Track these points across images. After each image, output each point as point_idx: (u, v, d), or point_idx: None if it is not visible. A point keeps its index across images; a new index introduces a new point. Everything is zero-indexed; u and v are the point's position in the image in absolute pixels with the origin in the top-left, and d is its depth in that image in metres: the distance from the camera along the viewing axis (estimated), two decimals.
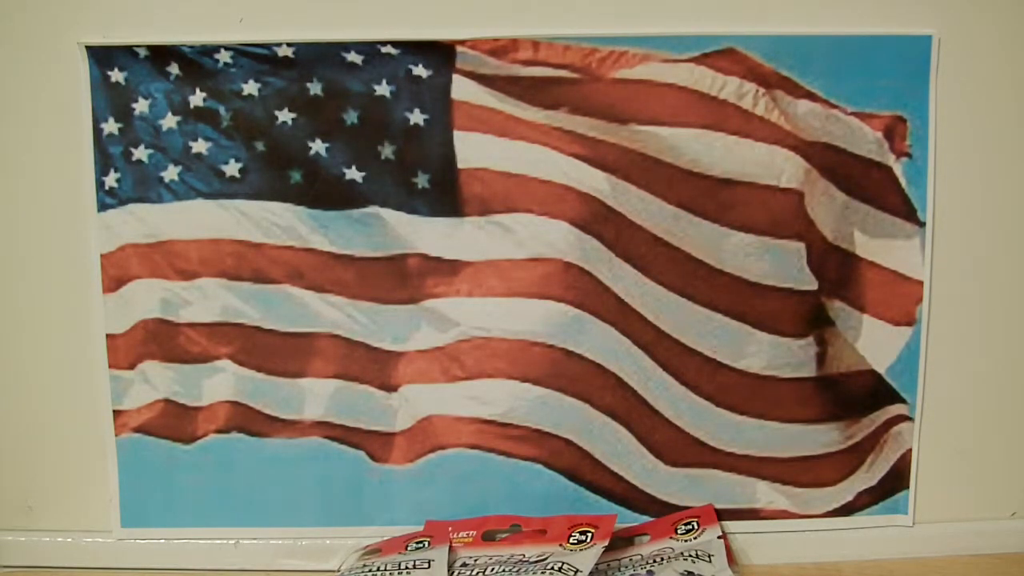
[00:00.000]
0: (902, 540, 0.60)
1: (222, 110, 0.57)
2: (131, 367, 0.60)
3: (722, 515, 0.59)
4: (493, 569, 0.53)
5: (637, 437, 0.59)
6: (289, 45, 0.56)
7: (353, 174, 0.58)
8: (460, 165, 0.57)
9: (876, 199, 0.58)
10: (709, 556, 0.54)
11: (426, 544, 0.57)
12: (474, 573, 0.53)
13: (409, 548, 0.56)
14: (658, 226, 0.58)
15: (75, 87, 0.57)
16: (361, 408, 0.60)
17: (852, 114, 0.57)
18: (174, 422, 0.60)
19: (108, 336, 0.59)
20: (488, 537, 0.58)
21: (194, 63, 0.57)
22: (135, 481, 0.60)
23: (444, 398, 0.59)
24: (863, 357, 0.59)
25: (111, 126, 0.57)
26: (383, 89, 0.57)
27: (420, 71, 0.57)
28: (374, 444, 0.60)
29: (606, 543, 0.54)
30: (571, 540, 0.55)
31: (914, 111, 0.57)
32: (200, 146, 0.58)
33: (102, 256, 0.59)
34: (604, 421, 0.59)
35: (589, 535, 0.55)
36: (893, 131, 0.57)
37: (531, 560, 0.53)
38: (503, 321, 0.58)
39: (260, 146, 0.57)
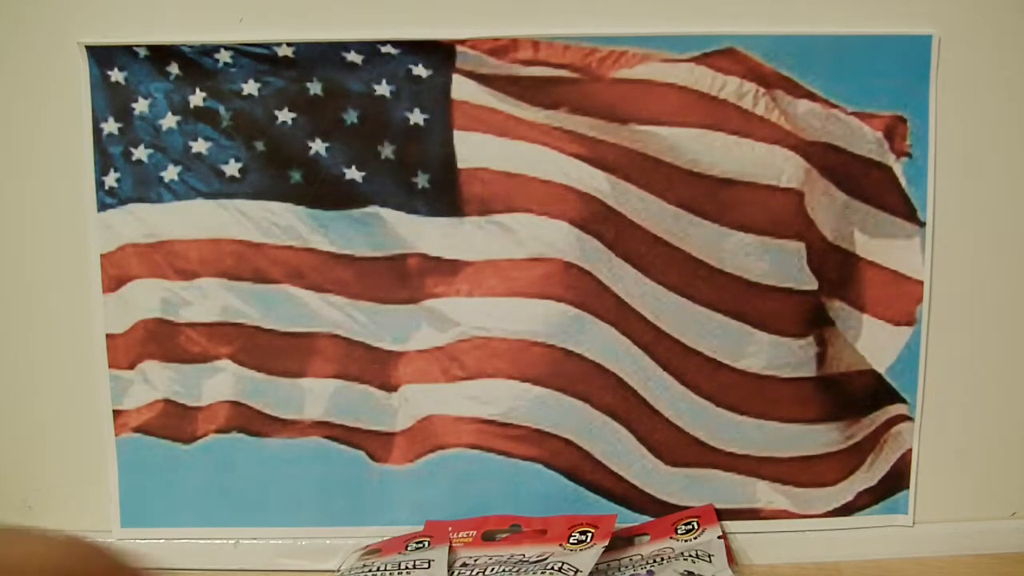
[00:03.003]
0: (902, 540, 0.60)
1: (222, 110, 0.57)
2: (131, 367, 0.59)
3: (722, 515, 0.59)
4: (493, 569, 0.53)
5: (637, 437, 0.59)
6: (289, 45, 0.56)
7: (353, 174, 0.58)
8: (460, 165, 0.57)
9: (876, 199, 0.58)
10: (709, 556, 0.53)
11: (426, 544, 0.57)
12: (474, 573, 0.53)
13: (409, 548, 0.56)
14: (658, 226, 0.58)
15: (75, 87, 0.57)
16: (361, 408, 0.59)
17: (852, 114, 0.57)
18: (174, 422, 0.60)
19: (108, 336, 0.59)
20: (488, 537, 0.58)
21: (194, 63, 0.57)
22: (135, 481, 0.60)
23: (444, 398, 0.59)
24: (863, 357, 0.59)
25: (111, 126, 0.57)
26: (383, 89, 0.57)
27: (420, 71, 0.57)
28: (374, 444, 0.60)
29: (606, 543, 0.54)
30: (571, 540, 0.55)
31: (914, 111, 0.57)
32: (200, 146, 0.58)
33: (102, 256, 0.59)
34: (604, 421, 0.59)
35: (589, 535, 0.55)
36: (893, 131, 0.57)
37: (531, 560, 0.53)
38: (503, 321, 0.58)
39: (260, 146, 0.57)
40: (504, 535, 0.58)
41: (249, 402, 0.59)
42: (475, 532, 0.58)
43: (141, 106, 0.57)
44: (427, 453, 0.60)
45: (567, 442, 0.59)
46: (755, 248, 0.58)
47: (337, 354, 0.59)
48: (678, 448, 0.59)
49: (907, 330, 0.59)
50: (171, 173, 0.58)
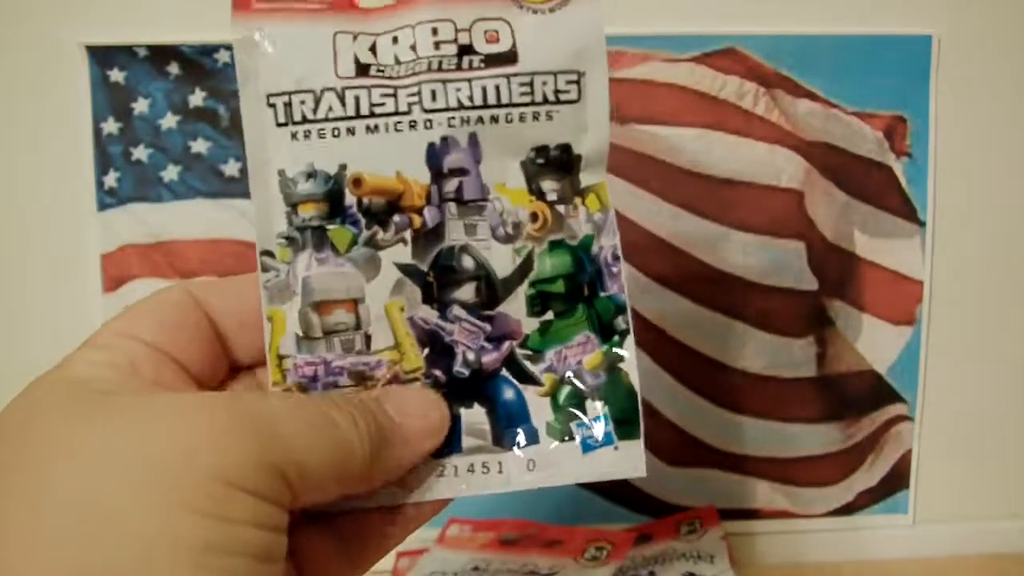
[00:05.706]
0: (902, 540, 0.60)
1: (222, 110, 0.57)
2: None
3: (722, 515, 0.59)
4: None
5: None
6: None
7: None
8: None
9: (876, 199, 0.58)
10: (711, 557, 0.53)
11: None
12: None
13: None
14: (658, 226, 0.58)
15: (75, 87, 0.57)
16: None
17: (852, 114, 0.57)
18: None
19: None
20: (505, 541, 0.57)
21: (194, 63, 0.57)
22: None
23: None
24: (863, 357, 0.59)
25: (111, 126, 0.57)
26: None
27: None
28: None
29: (620, 563, 0.53)
30: (585, 555, 0.54)
31: (914, 111, 0.57)
32: (200, 146, 0.57)
33: (102, 256, 0.59)
34: None
35: (605, 552, 0.54)
36: (893, 131, 0.57)
37: (541, 574, 0.53)
38: None
39: None
40: (519, 540, 0.57)
41: None
42: (493, 535, 0.57)
43: (141, 106, 0.57)
44: None
45: None
46: (755, 248, 0.58)
47: None
48: (678, 448, 0.59)
49: (907, 330, 0.59)
50: (171, 173, 0.58)
